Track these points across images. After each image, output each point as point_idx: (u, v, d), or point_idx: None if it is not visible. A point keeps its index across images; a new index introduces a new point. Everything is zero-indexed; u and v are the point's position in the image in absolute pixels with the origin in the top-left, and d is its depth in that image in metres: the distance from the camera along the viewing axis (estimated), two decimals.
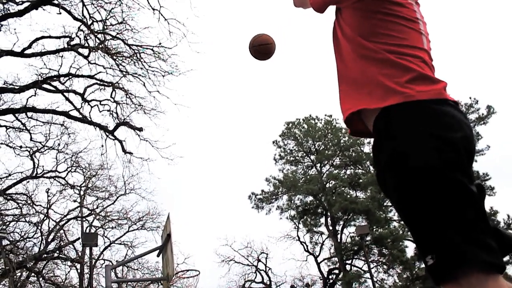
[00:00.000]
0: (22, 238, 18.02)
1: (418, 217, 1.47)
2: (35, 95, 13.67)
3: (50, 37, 13.50)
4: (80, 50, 13.66)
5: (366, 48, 1.79)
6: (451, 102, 1.65)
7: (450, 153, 1.49)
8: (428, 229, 1.43)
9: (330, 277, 28.45)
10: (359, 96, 1.78)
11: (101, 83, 14.37)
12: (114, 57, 13.64)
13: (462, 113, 1.66)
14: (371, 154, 1.83)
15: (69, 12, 13.01)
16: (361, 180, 28.00)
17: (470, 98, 26.64)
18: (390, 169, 1.57)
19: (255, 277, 28.87)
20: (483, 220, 1.43)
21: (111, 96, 14.55)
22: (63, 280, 20.91)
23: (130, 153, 15.14)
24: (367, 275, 25.00)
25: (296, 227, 29.36)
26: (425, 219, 1.44)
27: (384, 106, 1.66)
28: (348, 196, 27.68)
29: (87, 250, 20.01)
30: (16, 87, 13.20)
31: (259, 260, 28.87)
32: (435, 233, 1.41)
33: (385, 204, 26.41)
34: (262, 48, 2.36)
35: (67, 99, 14.05)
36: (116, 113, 14.64)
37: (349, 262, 27.61)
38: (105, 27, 13.50)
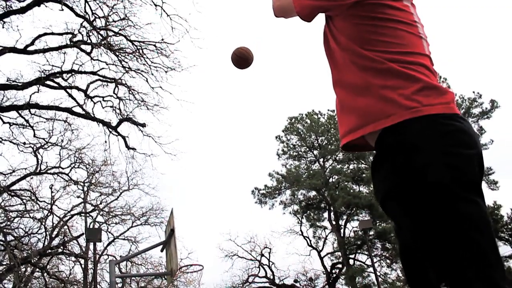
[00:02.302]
0: (26, 234, 18.11)
1: (432, 242, 1.39)
2: (38, 92, 13.72)
3: (52, 33, 13.51)
4: (83, 46, 13.66)
5: (364, 57, 1.66)
6: (460, 116, 1.56)
7: (467, 172, 1.42)
8: (442, 256, 1.36)
9: (333, 271, 28.50)
10: (360, 113, 1.64)
11: (104, 79, 14.38)
12: (117, 53, 13.64)
13: (471, 127, 1.57)
14: (371, 168, 1.70)
15: (71, 9, 13.00)
16: (364, 175, 27.98)
17: (474, 92, 26.59)
18: (401, 191, 1.46)
19: (259, 272, 28.96)
20: (495, 251, 1.36)
21: (114, 92, 14.56)
22: (67, 276, 21.02)
23: (133, 148, 15.18)
24: (370, 269, 25.05)
25: (299, 221, 29.42)
26: (440, 244, 1.37)
27: (391, 124, 1.53)
28: (351, 190, 27.67)
29: (91, 246, 20.09)
30: (19, 84, 13.22)
31: (262, 255, 28.94)
32: (449, 262, 1.35)
33: None
34: (241, 54, 2.28)
35: (70, 95, 14.07)
36: (119, 109, 14.67)
37: (352, 256, 27.64)
38: (108, 23, 13.49)
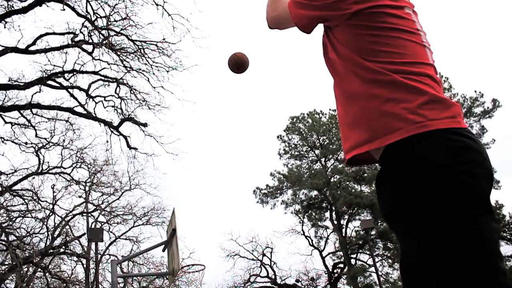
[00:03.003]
0: (28, 234, 18.13)
1: (439, 260, 1.34)
2: (39, 92, 13.74)
3: (54, 33, 13.54)
4: (84, 46, 13.69)
5: (367, 69, 1.59)
6: (468, 131, 1.49)
7: (478, 191, 1.36)
8: (449, 275, 1.32)
9: (335, 271, 28.49)
10: (365, 128, 1.58)
11: (106, 79, 14.40)
12: (118, 53, 13.65)
13: (480, 144, 1.50)
14: (375, 183, 1.63)
15: (72, 9, 13.02)
16: (365, 175, 27.95)
17: (476, 91, 26.50)
18: (408, 208, 1.40)
19: (260, 272, 28.96)
20: (503, 272, 1.32)
21: (115, 92, 14.59)
22: (69, 275, 21.05)
23: (135, 148, 15.21)
24: (372, 269, 25.05)
25: (301, 221, 29.41)
26: (447, 263, 1.32)
27: (395, 140, 1.47)
28: (353, 190, 27.65)
29: (93, 245, 20.08)
30: (21, 84, 13.24)
31: (264, 255, 28.93)
32: (456, 281, 1.31)
33: None
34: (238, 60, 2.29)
35: (71, 95, 14.09)
36: (121, 108, 14.69)
37: (354, 256, 27.63)
38: (109, 23, 13.51)
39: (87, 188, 21.09)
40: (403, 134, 1.46)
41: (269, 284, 28.83)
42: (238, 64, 2.27)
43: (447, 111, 1.49)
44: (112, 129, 14.70)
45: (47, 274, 19.16)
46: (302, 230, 29.21)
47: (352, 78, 1.64)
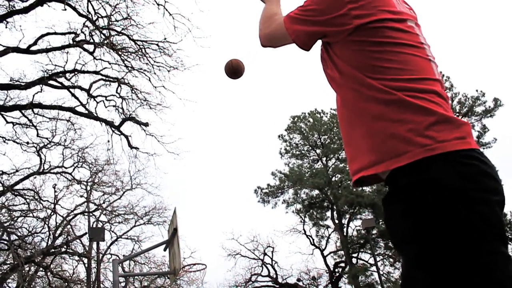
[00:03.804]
0: (30, 233, 18.13)
1: None
2: (41, 91, 13.74)
3: (55, 33, 13.53)
4: (86, 46, 13.68)
5: (370, 87, 1.52)
6: (479, 153, 1.42)
7: (492, 219, 1.29)
8: None
9: (336, 270, 28.49)
10: (370, 149, 1.50)
11: (107, 78, 14.40)
12: (119, 53, 13.65)
13: (493, 167, 1.42)
14: (382, 204, 1.54)
15: (74, 8, 13.02)
16: None
17: (477, 90, 26.46)
18: (417, 235, 1.32)
19: (262, 271, 28.98)
20: None
21: (116, 92, 14.58)
22: (71, 275, 21.06)
23: (136, 148, 15.21)
24: (373, 268, 25.05)
25: (302, 220, 29.41)
26: None
27: (402, 165, 1.39)
28: (354, 189, 27.62)
29: (94, 245, 20.12)
30: (22, 84, 13.25)
31: (265, 254, 28.95)
32: None
33: None
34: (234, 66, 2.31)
35: (73, 95, 14.10)
36: (122, 108, 14.69)
37: (355, 255, 27.64)
38: (110, 22, 13.51)
39: (88, 188, 21.12)
40: (410, 158, 1.38)
41: (270, 284, 28.85)
42: (232, 71, 2.28)
43: (456, 131, 1.42)
44: (113, 129, 14.71)
45: (48, 274, 19.18)
46: (303, 229, 29.25)
47: (355, 97, 1.57)
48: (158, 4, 13.09)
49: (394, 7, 1.64)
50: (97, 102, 14.54)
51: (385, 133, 1.45)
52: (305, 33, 1.70)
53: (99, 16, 13.38)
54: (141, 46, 13.69)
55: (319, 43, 1.80)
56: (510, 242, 24.44)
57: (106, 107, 14.73)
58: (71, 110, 14.39)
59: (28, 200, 17.29)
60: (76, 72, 14.03)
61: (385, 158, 1.45)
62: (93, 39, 13.62)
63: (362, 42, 1.57)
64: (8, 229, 15.83)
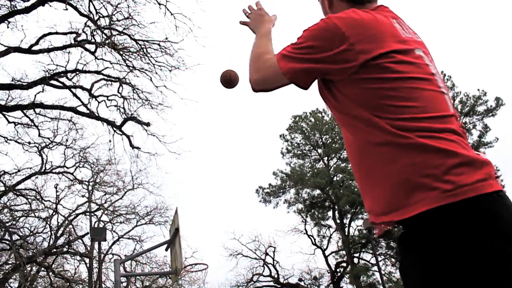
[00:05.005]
0: (31, 233, 18.16)
1: None
2: (42, 91, 13.78)
3: (57, 33, 13.55)
4: (87, 46, 13.69)
5: (381, 129, 1.38)
6: (503, 196, 1.29)
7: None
8: None
9: (337, 270, 28.47)
10: (382, 197, 1.38)
11: (108, 78, 14.41)
12: (121, 53, 13.66)
13: None
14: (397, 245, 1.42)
15: (75, 8, 13.03)
16: None
17: (479, 89, 26.43)
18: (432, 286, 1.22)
19: (263, 271, 28.96)
20: None
21: (118, 91, 14.60)
22: (73, 275, 21.09)
23: (138, 148, 15.22)
24: (375, 268, 25.01)
25: (304, 220, 29.39)
26: None
27: (418, 213, 1.27)
28: (356, 189, 27.59)
29: (96, 245, 20.19)
30: (24, 84, 13.27)
31: (266, 254, 28.93)
32: None
33: None
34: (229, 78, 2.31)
35: (74, 95, 14.12)
36: (123, 108, 14.70)
37: (356, 255, 27.61)
38: (112, 22, 13.52)
39: (90, 188, 21.13)
40: (429, 205, 1.25)
41: (272, 284, 28.84)
42: (226, 81, 2.29)
43: (478, 173, 1.28)
44: (115, 129, 14.72)
45: (50, 274, 19.20)
46: (305, 229, 29.23)
47: (366, 139, 1.44)
48: (160, 4, 13.10)
49: (399, 36, 1.50)
50: (99, 102, 14.57)
51: (399, 179, 1.33)
52: (303, 71, 1.54)
53: (101, 15, 13.40)
54: (142, 46, 13.70)
55: None
56: None
57: (107, 107, 14.77)
58: (73, 110, 14.41)
59: (30, 200, 17.32)
60: (77, 72, 14.05)
61: (399, 206, 1.32)
62: (94, 38, 13.63)
63: (369, 80, 1.42)
64: (10, 229, 15.84)
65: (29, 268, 18.32)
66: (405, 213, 1.30)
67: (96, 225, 21.08)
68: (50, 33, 13.40)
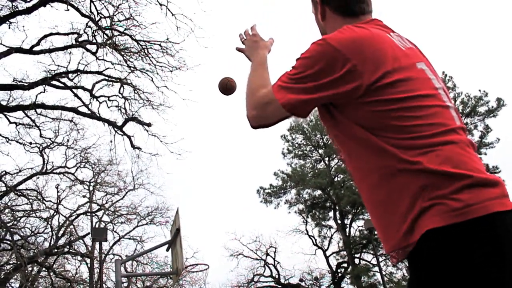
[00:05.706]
0: (32, 233, 18.22)
1: None
2: (44, 92, 13.81)
3: (58, 34, 13.58)
4: (88, 46, 13.71)
5: (387, 153, 1.32)
6: None
7: None
8: None
9: (338, 270, 28.47)
10: (390, 226, 1.33)
11: (109, 79, 14.44)
12: (122, 53, 13.67)
13: None
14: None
15: (76, 9, 13.05)
16: None
17: (480, 90, 26.39)
18: None
19: (264, 271, 28.97)
20: None
21: (119, 92, 14.62)
22: (74, 275, 21.11)
23: (139, 148, 15.24)
24: (376, 268, 25.00)
25: (305, 221, 29.40)
26: None
27: (426, 230, 1.22)
28: (357, 190, 27.42)
29: (97, 245, 20.20)
30: (25, 84, 13.29)
31: (267, 254, 28.94)
32: None
33: None
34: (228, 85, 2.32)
35: (75, 95, 14.14)
36: (125, 108, 14.73)
37: (357, 255, 27.61)
38: (113, 23, 13.53)
39: (91, 188, 21.16)
40: (437, 223, 1.21)
41: (272, 284, 28.84)
42: (225, 88, 2.29)
43: (490, 191, 1.24)
44: (116, 129, 14.74)
45: (51, 274, 19.23)
46: (306, 229, 29.23)
47: (372, 167, 1.37)
48: (161, 4, 13.12)
49: (400, 50, 1.44)
50: (100, 103, 14.59)
51: (407, 205, 1.27)
52: (302, 102, 1.45)
53: (102, 16, 13.41)
54: (143, 46, 13.71)
55: None
56: None
57: (108, 107, 14.79)
58: (74, 110, 14.43)
59: (31, 200, 17.35)
60: (78, 73, 14.07)
61: (404, 239, 1.28)
62: (95, 39, 13.65)
63: (374, 103, 1.35)
64: (11, 229, 15.87)
65: (30, 268, 18.34)
66: (416, 236, 1.25)
67: (97, 226, 21.09)
68: (51, 34, 13.44)
